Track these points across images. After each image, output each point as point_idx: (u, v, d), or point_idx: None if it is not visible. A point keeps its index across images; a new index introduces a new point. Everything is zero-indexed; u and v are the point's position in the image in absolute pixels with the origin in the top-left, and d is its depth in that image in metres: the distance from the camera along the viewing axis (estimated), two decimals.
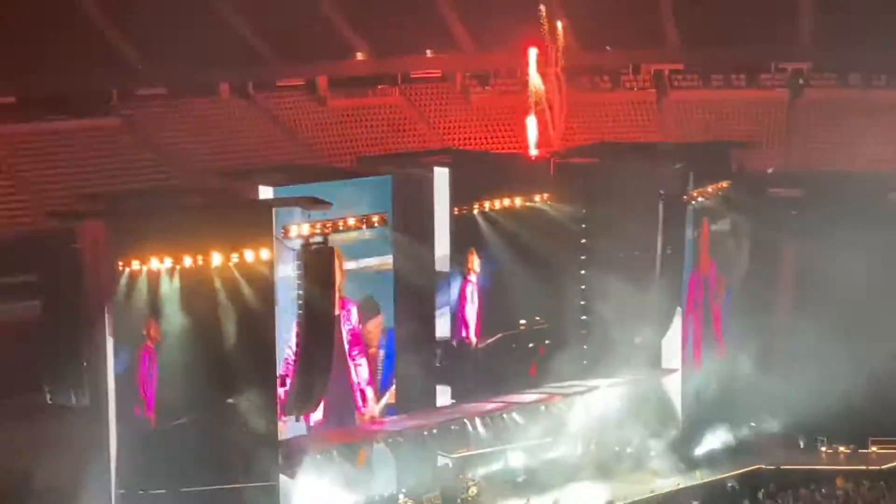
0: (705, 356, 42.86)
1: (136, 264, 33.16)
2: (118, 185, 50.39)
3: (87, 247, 33.43)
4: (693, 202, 41.72)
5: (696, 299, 42.58)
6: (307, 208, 35.30)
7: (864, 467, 40.41)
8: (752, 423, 42.50)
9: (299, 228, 35.52)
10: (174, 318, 33.67)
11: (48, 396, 34.01)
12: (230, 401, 34.14)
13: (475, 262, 40.17)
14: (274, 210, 35.02)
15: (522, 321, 41.01)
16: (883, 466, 40.59)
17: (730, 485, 39.55)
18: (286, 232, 35.31)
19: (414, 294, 38.95)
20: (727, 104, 64.16)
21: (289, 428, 36.00)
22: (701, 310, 42.81)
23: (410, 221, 38.52)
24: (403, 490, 37.55)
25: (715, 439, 41.88)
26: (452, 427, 38.48)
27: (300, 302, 35.19)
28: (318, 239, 35.60)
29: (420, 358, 38.93)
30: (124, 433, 33.66)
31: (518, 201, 41.10)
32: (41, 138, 54.60)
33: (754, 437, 42.33)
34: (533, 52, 56.59)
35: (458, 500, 37.77)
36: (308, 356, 35.29)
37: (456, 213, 39.58)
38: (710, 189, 42.67)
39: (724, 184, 43.45)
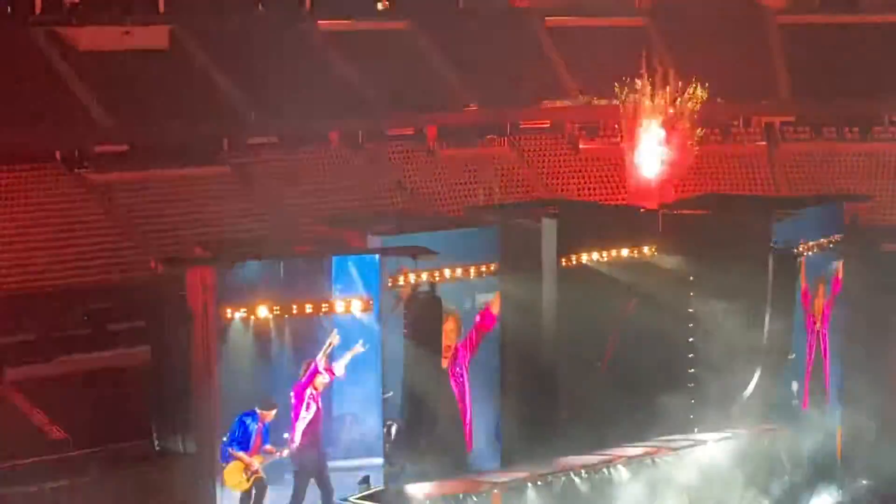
0: (817, 412, 42.14)
1: (244, 311, 33.25)
2: (227, 233, 50.84)
3: (195, 293, 33.59)
4: (805, 255, 41.22)
5: (809, 354, 41.97)
6: (415, 258, 35.26)
7: None
8: (866, 483, 41.77)
9: (406, 278, 35.51)
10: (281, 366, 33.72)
11: (156, 443, 34.21)
12: None
13: None
14: (382, 259, 35.01)
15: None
16: None
17: None
18: (393, 282, 35.27)
19: (521, 344, 38.78)
20: (839, 157, 63.51)
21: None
22: (813, 365, 42.17)
23: (518, 272, 38.37)
24: None
25: (826, 499, 41.19)
26: (556, 479, 38.08)
27: (404, 352, 35.05)
28: (426, 289, 35.54)
29: (527, 407, 38.71)
30: None
31: (625, 253, 40.85)
32: (152, 186, 55.29)
33: (868, 499, 41.55)
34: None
35: None
36: (411, 407, 35.18)
37: (563, 264, 39.46)
38: (822, 241, 42.13)
39: (837, 238, 42.88)
